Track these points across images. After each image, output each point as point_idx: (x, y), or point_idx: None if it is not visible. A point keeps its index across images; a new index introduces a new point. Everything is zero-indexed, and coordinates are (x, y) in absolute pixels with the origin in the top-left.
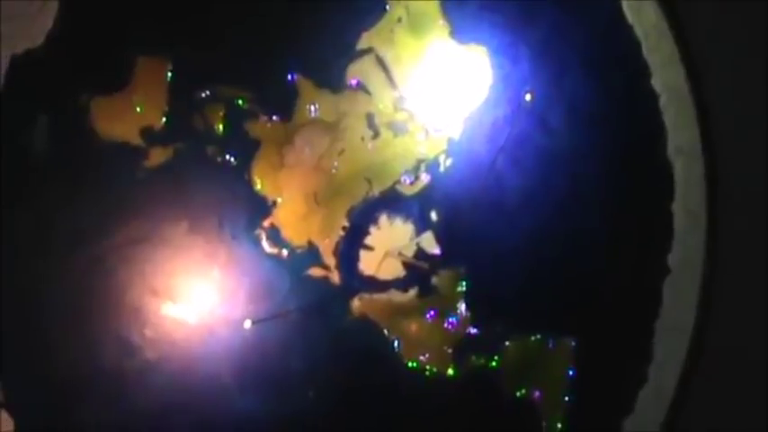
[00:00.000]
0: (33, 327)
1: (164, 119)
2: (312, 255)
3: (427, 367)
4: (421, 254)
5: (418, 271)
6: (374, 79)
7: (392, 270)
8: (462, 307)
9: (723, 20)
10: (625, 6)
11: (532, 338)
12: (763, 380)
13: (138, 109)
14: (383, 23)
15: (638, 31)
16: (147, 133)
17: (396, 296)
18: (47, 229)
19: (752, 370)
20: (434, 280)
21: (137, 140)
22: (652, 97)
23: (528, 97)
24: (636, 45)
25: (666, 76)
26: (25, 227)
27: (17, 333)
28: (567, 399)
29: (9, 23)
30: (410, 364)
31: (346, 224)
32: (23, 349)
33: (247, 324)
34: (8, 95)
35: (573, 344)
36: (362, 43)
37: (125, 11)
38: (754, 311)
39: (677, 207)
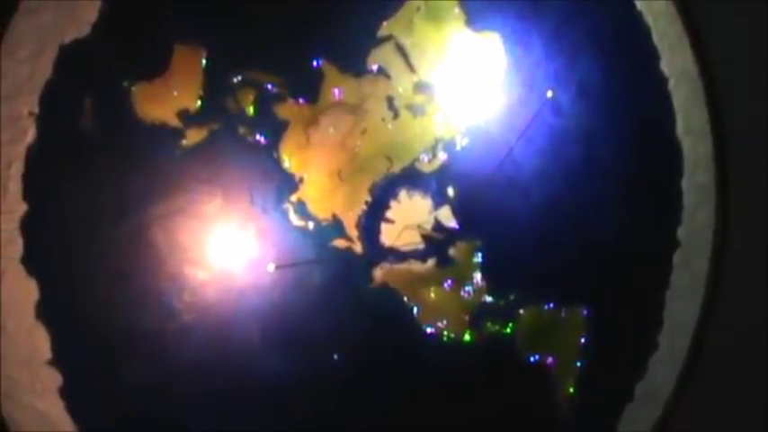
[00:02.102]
0: (82, 290)
1: (199, 102)
2: (336, 227)
3: (445, 333)
4: (438, 227)
5: (435, 242)
6: (394, 64)
7: (411, 241)
8: (478, 276)
9: (730, 5)
10: None
11: (545, 307)
12: None
13: (175, 93)
14: (402, 12)
15: (648, 17)
16: (183, 115)
17: (415, 266)
18: (94, 202)
19: (759, 339)
20: (452, 251)
21: (174, 122)
22: (661, 80)
23: (549, 94)
24: (645, 30)
25: (675, 59)
26: (75, 199)
27: (67, 296)
28: (579, 364)
29: (58, 14)
30: (428, 330)
31: (368, 199)
32: (72, 310)
33: (270, 267)
34: (57, 81)
35: (585, 312)
36: (383, 31)
37: (163, 2)
38: (761, 283)
39: (686, 183)
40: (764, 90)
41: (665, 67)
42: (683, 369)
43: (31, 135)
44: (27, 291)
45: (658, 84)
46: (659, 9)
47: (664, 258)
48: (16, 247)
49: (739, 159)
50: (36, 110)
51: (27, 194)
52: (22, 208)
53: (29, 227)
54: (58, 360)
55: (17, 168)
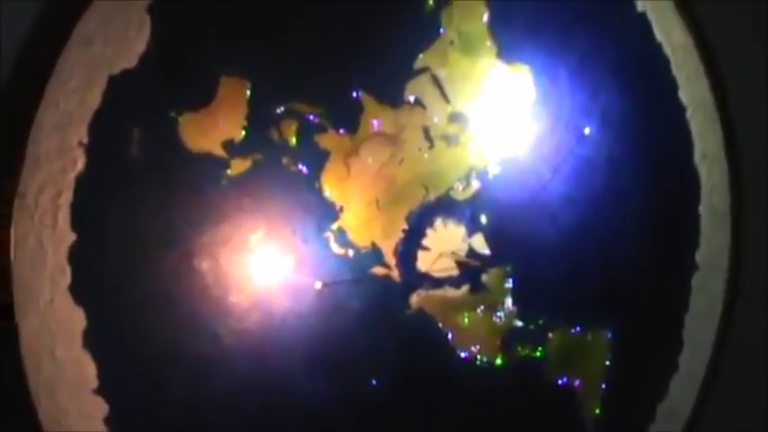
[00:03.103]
0: (127, 317)
1: (243, 132)
2: (375, 255)
3: (478, 357)
4: (472, 254)
5: (469, 268)
6: (429, 95)
7: (446, 268)
8: (509, 302)
9: (743, 38)
10: (654, 27)
11: (572, 330)
12: None
13: (220, 123)
14: (437, 45)
15: (667, 49)
16: (228, 145)
17: (450, 292)
18: (141, 231)
19: None
20: (484, 277)
21: (219, 152)
22: (680, 109)
23: (587, 131)
24: (665, 62)
25: (692, 89)
26: (123, 227)
27: (113, 324)
28: (604, 386)
29: (108, 47)
30: (462, 354)
31: (405, 227)
32: (118, 338)
33: (318, 285)
34: (106, 111)
35: (609, 335)
36: (419, 63)
37: (209, 35)
38: None
39: (703, 208)
40: None
41: (683, 96)
42: (701, 389)
43: (80, 165)
44: (75, 319)
45: (677, 112)
46: (677, 42)
47: (683, 281)
48: (65, 276)
49: (753, 184)
50: (85, 139)
51: (75, 224)
52: (71, 237)
53: (76, 256)
54: (104, 388)
55: (66, 198)
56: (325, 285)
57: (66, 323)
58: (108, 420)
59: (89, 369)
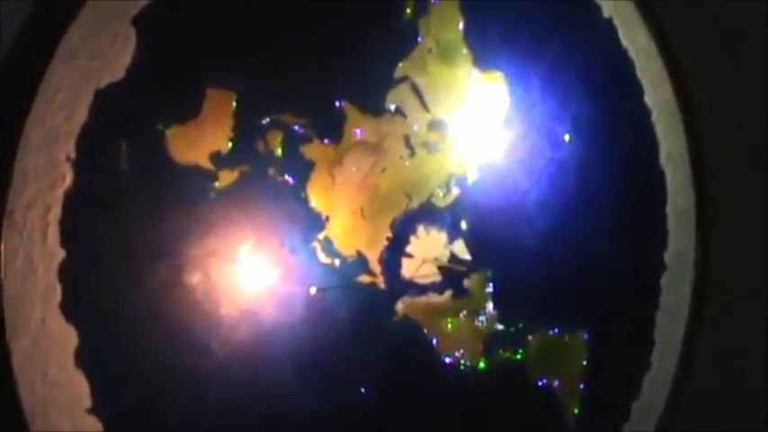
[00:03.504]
0: (119, 334)
1: (230, 144)
2: (361, 263)
3: (461, 361)
4: (454, 259)
5: (455, 273)
6: (409, 104)
7: (430, 275)
8: (490, 306)
9: (705, 41)
10: (620, 32)
11: (550, 332)
12: (754, 360)
13: (207, 136)
14: (416, 54)
15: (632, 54)
16: (215, 157)
17: (433, 298)
18: (132, 244)
19: (743, 354)
20: (466, 282)
21: (207, 164)
22: (646, 112)
23: (567, 137)
24: (630, 66)
25: (656, 92)
26: (113, 242)
27: (105, 341)
28: (582, 386)
29: (95, 61)
30: (447, 359)
31: (390, 235)
32: (111, 355)
33: (313, 290)
34: (93, 125)
35: (586, 336)
36: (399, 72)
37: (194, 47)
38: (743, 300)
39: (670, 209)
40: (738, 117)
41: (648, 100)
42: (672, 386)
43: (68, 180)
44: (67, 338)
45: (643, 116)
46: (641, 46)
47: (653, 281)
48: (56, 294)
49: (716, 184)
50: (73, 154)
51: (64, 240)
52: (61, 254)
53: (66, 273)
54: (98, 407)
55: (55, 214)
56: (319, 290)
57: (58, 342)
58: None
59: (82, 388)
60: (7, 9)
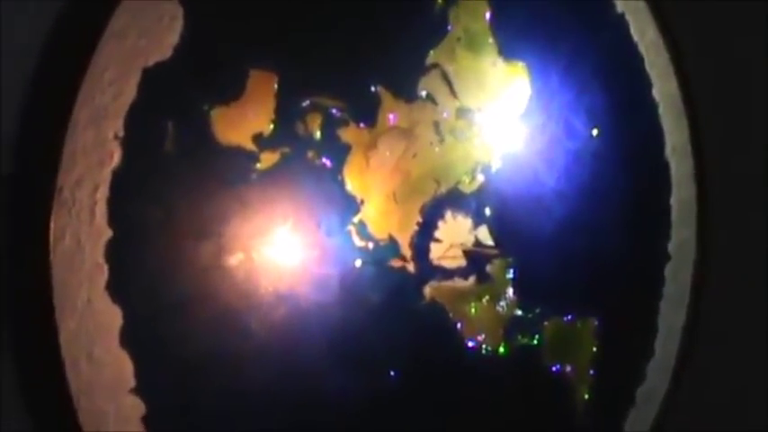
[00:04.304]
0: (163, 313)
1: (271, 126)
2: (393, 247)
3: (483, 346)
4: (478, 245)
5: (479, 258)
6: (439, 91)
7: (456, 260)
8: (510, 292)
9: (711, 37)
10: (631, 27)
11: (564, 319)
12: (749, 348)
13: (250, 117)
14: (446, 42)
15: (641, 48)
16: (258, 139)
17: (459, 283)
18: (174, 223)
19: (741, 342)
20: (489, 268)
21: (250, 146)
22: (653, 105)
23: (595, 132)
24: (640, 60)
25: (663, 86)
26: (158, 222)
27: (149, 321)
28: (591, 372)
29: (142, 39)
30: (470, 343)
31: (420, 219)
32: (154, 336)
33: (358, 263)
34: (141, 104)
35: (596, 323)
36: (430, 59)
37: (238, 28)
38: (741, 289)
39: (674, 200)
40: (740, 114)
41: (656, 93)
42: (674, 372)
43: (116, 158)
44: (112, 318)
45: (650, 109)
46: (650, 41)
47: (657, 270)
48: (102, 274)
49: (717, 177)
50: (121, 133)
51: (111, 219)
52: (108, 233)
53: (113, 252)
54: (142, 388)
55: (102, 193)
56: (364, 263)
57: (103, 322)
58: (145, 420)
59: (126, 368)
60: None
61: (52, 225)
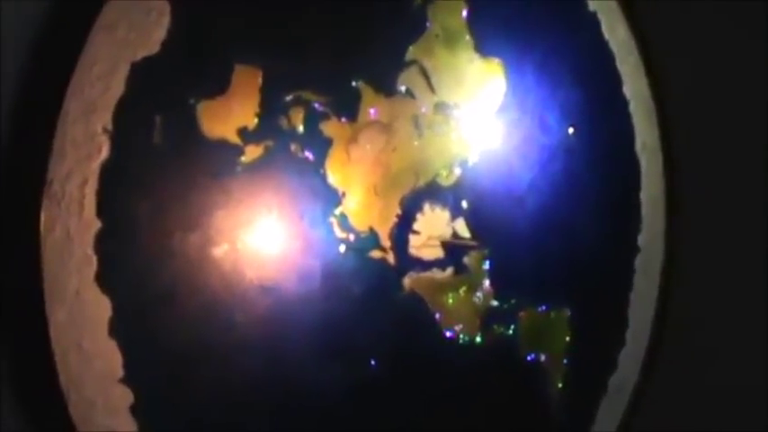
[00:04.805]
0: (151, 303)
1: (256, 120)
2: (373, 239)
3: (461, 336)
4: (455, 237)
5: (456, 250)
6: (418, 86)
7: (433, 251)
8: (486, 283)
9: (682, 36)
10: (603, 25)
11: (539, 309)
12: (718, 338)
13: (235, 111)
14: (424, 38)
15: (612, 46)
16: (242, 132)
17: (437, 274)
18: (163, 215)
19: (711, 332)
20: (466, 259)
21: (235, 139)
22: (624, 102)
23: (571, 130)
24: (611, 57)
25: (633, 84)
26: (144, 213)
27: (137, 312)
28: (565, 361)
29: (132, 32)
30: (448, 334)
31: (399, 212)
32: (142, 327)
33: (342, 248)
34: (129, 98)
35: (569, 313)
36: (409, 55)
37: (225, 26)
38: (710, 282)
39: (644, 195)
40: (709, 110)
41: (626, 91)
42: (644, 362)
43: (105, 152)
44: (101, 309)
45: (622, 106)
46: (620, 38)
47: (628, 263)
48: (91, 265)
49: (686, 173)
50: (110, 126)
51: (100, 212)
52: (97, 225)
53: (102, 244)
54: (130, 377)
55: (91, 186)
56: (348, 249)
57: (92, 313)
58: (134, 409)
59: (115, 359)
60: None
61: (42, 217)
